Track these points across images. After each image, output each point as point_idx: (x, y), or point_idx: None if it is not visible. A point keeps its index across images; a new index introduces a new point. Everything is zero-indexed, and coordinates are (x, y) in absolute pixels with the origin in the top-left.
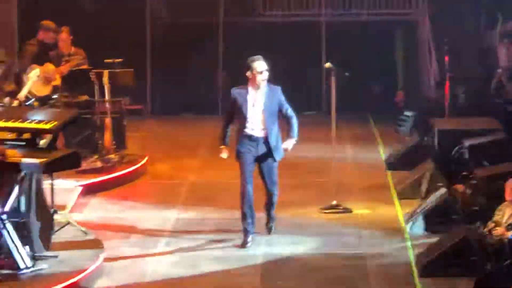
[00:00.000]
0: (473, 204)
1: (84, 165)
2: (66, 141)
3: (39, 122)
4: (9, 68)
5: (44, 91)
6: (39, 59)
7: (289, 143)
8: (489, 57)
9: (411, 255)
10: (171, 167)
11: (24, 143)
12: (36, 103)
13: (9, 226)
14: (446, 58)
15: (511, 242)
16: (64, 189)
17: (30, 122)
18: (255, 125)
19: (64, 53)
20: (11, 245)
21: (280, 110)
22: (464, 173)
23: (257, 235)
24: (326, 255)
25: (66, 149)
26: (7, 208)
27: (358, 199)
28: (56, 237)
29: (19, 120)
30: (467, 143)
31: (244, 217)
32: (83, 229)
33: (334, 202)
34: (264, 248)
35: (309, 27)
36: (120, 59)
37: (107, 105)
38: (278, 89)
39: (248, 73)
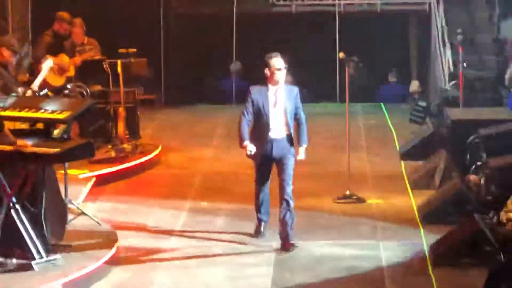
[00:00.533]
0: (487, 194)
1: (98, 155)
2: (80, 130)
3: (53, 112)
4: (22, 58)
5: (58, 81)
6: (54, 50)
7: (302, 151)
8: (503, 47)
9: (425, 245)
10: (184, 157)
11: (37, 133)
12: (50, 93)
13: (23, 216)
14: (460, 48)
15: None
16: (77, 179)
17: (43, 112)
18: (276, 125)
19: (78, 43)
20: (26, 235)
21: (294, 112)
22: (478, 163)
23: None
24: (339, 245)
25: (80, 139)
26: (21, 198)
27: (372, 189)
28: (70, 227)
29: (33, 110)
30: (481, 133)
31: (257, 211)
32: (97, 219)
33: (348, 192)
34: (277, 238)
35: (323, 18)
36: (133, 49)
37: (121, 95)
38: (295, 90)
39: (266, 71)
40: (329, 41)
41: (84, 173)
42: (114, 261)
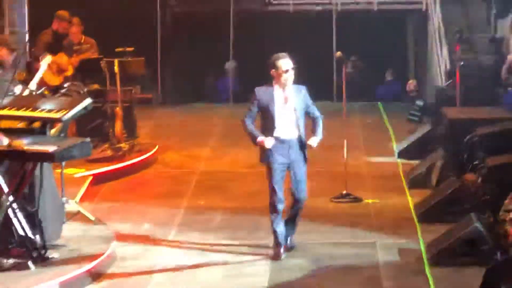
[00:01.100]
0: (484, 194)
1: (95, 154)
2: (77, 129)
3: (50, 111)
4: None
5: (56, 80)
6: (53, 49)
7: (314, 140)
8: (500, 46)
9: (422, 245)
10: (182, 156)
11: (34, 132)
12: (47, 92)
13: (20, 215)
14: (457, 47)
15: None
16: (74, 178)
17: (40, 111)
18: (285, 126)
19: (75, 42)
20: (22, 234)
21: (307, 111)
22: (475, 162)
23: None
24: (336, 244)
25: (77, 138)
26: (18, 197)
27: (369, 188)
28: (67, 226)
29: (30, 109)
30: (478, 132)
31: (275, 233)
32: (94, 218)
33: (344, 192)
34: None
35: (320, 17)
36: (131, 48)
37: (118, 94)
38: (303, 89)
39: (273, 72)
40: (326, 40)
41: (81, 172)
42: (111, 261)
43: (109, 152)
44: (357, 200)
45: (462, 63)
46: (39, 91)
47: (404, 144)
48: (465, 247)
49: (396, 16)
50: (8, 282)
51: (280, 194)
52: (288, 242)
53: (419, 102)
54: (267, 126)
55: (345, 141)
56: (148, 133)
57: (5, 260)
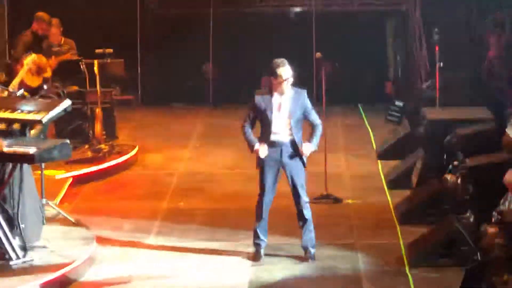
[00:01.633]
0: (463, 194)
1: (74, 155)
2: (57, 131)
3: (29, 112)
4: None
5: (35, 82)
6: (32, 50)
7: (307, 148)
8: (480, 46)
9: (402, 245)
10: (162, 157)
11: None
12: (26, 94)
13: None
14: (437, 48)
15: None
16: (54, 179)
17: (20, 113)
18: (280, 130)
19: (55, 43)
20: (2, 236)
21: (305, 117)
22: (455, 163)
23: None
24: (316, 245)
25: (56, 140)
26: None
27: (349, 189)
28: (47, 228)
29: (9, 110)
30: (458, 133)
31: (256, 234)
32: (74, 219)
33: (325, 192)
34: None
35: (300, 17)
36: (110, 50)
37: (98, 95)
38: (303, 93)
39: (272, 79)
40: (306, 41)
41: (61, 174)
42: (91, 262)
43: (89, 154)
44: (337, 200)
45: (441, 63)
46: (19, 93)
47: (384, 145)
48: (445, 248)
49: (376, 17)
50: None
51: (267, 198)
52: (306, 253)
53: (399, 103)
54: (264, 131)
55: (325, 142)
56: (128, 134)
57: None
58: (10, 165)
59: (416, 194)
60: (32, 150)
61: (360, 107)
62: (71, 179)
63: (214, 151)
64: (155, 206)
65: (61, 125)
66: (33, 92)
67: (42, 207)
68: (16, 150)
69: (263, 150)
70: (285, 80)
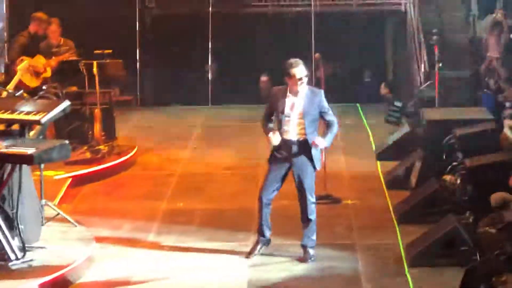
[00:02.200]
0: (462, 194)
1: (74, 156)
2: (56, 132)
3: (28, 113)
4: None
5: (34, 82)
6: (30, 51)
7: (320, 141)
8: (478, 47)
9: (401, 246)
10: (161, 158)
11: (13, 134)
12: (25, 94)
13: None
14: (436, 48)
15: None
16: (53, 180)
17: (19, 113)
18: (291, 128)
19: (54, 44)
20: (1, 237)
21: (321, 116)
22: (454, 163)
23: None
24: (316, 245)
25: (56, 140)
26: None
27: (348, 189)
28: (46, 229)
29: (8, 111)
30: (457, 133)
31: (258, 229)
32: (72, 220)
33: (324, 193)
34: (254, 239)
35: (299, 18)
36: (109, 50)
37: (97, 96)
38: (320, 93)
39: (287, 79)
40: (305, 41)
41: (60, 174)
42: (90, 262)
43: (88, 154)
44: (336, 201)
45: (441, 64)
46: (18, 93)
47: (383, 146)
48: (445, 248)
49: (375, 18)
50: None
51: (264, 192)
52: (304, 252)
53: (398, 103)
54: (277, 128)
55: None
56: (127, 135)
57: None
58: (9, 166)
59: (415, 194)
60: (31, 150)
61: (359, 107)
62: (70, 180)
63: (213, 151)
64: (154, 207)
65: (60, 126)
66: (32, 92)
67: (41, 208)
68: (15, 150)
69: (275, 137)
70: (299, 80)
